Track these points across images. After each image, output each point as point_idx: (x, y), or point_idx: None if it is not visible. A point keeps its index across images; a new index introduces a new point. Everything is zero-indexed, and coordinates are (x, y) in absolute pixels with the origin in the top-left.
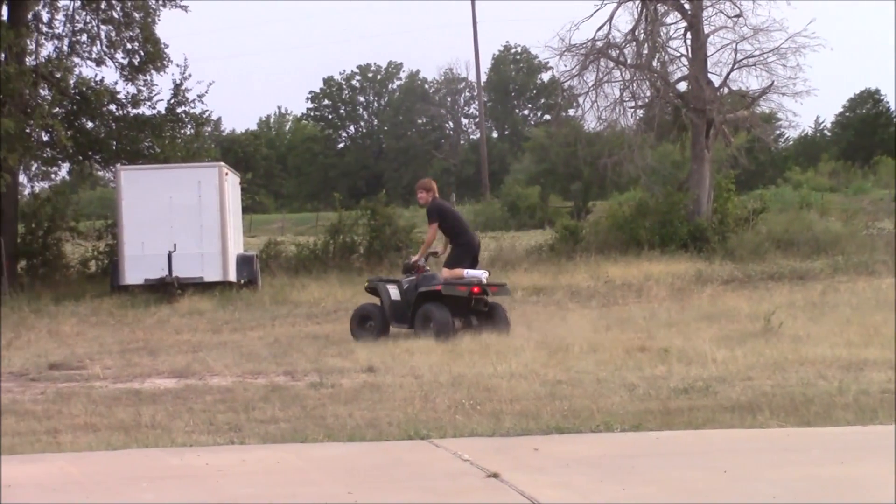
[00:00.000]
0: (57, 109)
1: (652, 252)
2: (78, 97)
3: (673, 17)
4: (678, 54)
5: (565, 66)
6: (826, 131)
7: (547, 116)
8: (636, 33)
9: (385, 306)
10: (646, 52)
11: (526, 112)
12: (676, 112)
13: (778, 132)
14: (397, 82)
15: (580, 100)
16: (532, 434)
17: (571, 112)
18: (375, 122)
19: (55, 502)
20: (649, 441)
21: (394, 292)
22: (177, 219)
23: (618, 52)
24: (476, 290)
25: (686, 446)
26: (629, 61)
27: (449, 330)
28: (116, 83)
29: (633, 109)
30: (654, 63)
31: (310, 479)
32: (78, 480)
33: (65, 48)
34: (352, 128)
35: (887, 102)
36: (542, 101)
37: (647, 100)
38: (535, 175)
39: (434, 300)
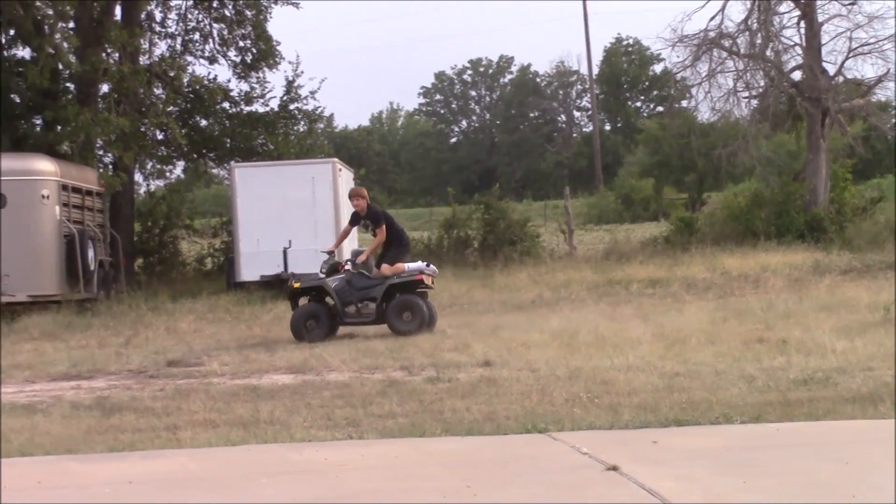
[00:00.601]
0: (171, 108)
1: (768, 243)
2: (191, 95)
3: (786, 5)
4: (792, 43)
5: (678, 57)
6: None
7: (660, 108)
8: (749, 23)
9: (338, 304)
10: (759, 41)
11: (638, 104)
12: (791, 102)
13: (895, 120)
14: (509, 76)
15: (693, 91)
16: (650, 426)
17: (685, 103)
18: (487, 116)
19: (169, 502)
20: (769, 433)
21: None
22: (291, 215)
23: (731, 42)
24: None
25: (807, 438)
26: (742, 51)
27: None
28: (229, 81)
29: (746, 99)
30: (768, 52)
31: (428, 473)
32: (198, 476)
33: (178, 47)
34: (464, 122)
35: None
36: (655, 92)
37: (761, 90)
38: (648, 167)
39: (406, 292)
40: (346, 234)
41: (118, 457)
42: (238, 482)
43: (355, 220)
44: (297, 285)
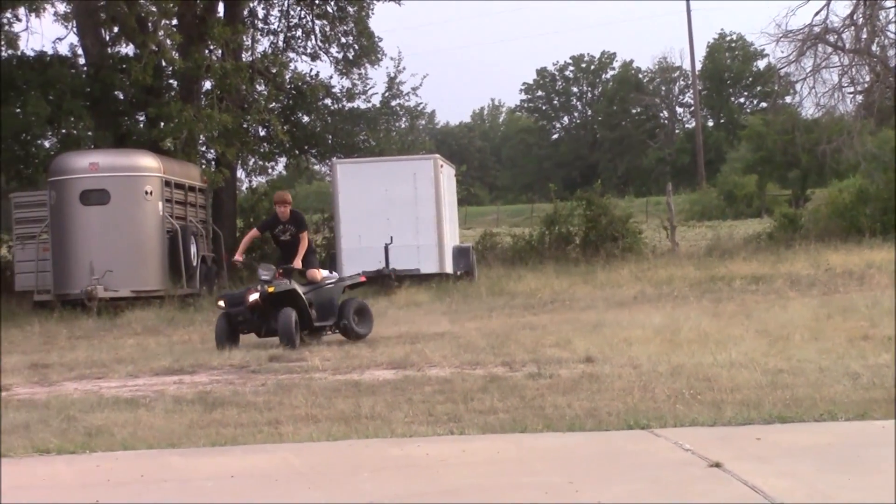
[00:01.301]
0: (273, 104)
1: (874, 239)
2: (293, 92)
3: (892, 0)
4: None
5: (782, 52)
6: None
7: (763, 104)
8: (854, 17)
9: (311, 310)
10: (864, 36)
11: (742, 100)
12: None
13: None
14: (611, 72)
15: (797, 86)
16: (754, 423)
17: (788, 99)
18: (589, 112)
19: (271, 497)
20: (875, 430)
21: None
22: (393, 211)
23: (836, 37)
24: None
25: None
26: (847, 46)
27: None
28: (331, 77)
29: (851, 95)
30: (874, 47)
31: (530, 469)
32: (300, 471)
33: (280, 43)
34: (566, 118)
35: None
36: (759, 88)
37: (866, 85)
38: (751, 163)
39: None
40: (251, 239)
41: (220, 451)
42: (339, 477)
43: (269, 225)
44: (271, 290)
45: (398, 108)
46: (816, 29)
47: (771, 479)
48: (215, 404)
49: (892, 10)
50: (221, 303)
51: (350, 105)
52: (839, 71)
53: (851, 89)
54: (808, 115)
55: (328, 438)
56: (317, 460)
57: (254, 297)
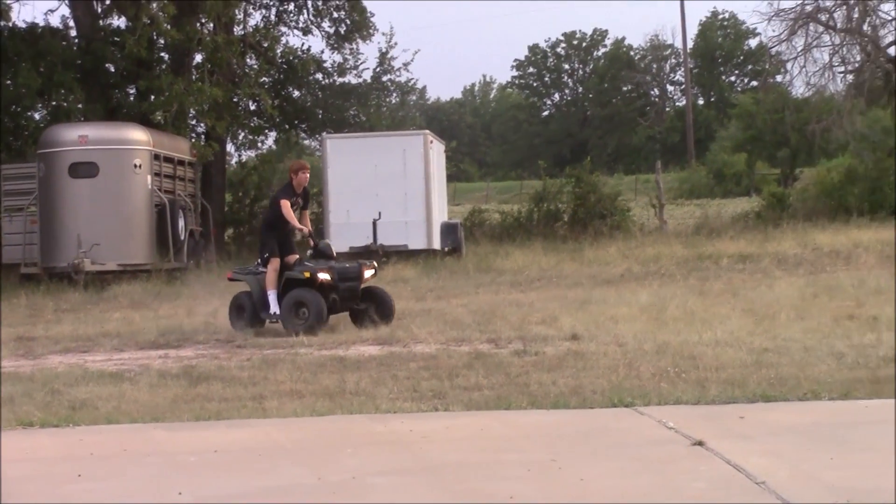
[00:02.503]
0: (264, 79)
1: (861, 219)
2: (285, 66)
3: None
4: (889, 18)
5: (773, 31)
6: None
7: (754, 83)
8: None
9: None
10: (856, 15)
11: (732, 78)
12: (887, 77)
13: None
14: (602, 49)
15: (788, 65)
16: (738, 402)
17: (779, 78)
18: (580, 89)
19: (254, 471)
20: (858, 409)
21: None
22: (382, 187)
23: (827, 16)
24: None
25: None
26: (839, 25)
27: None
28: (322, 52)
29: (842, 74)
30: (865, 27)
31: (514, 445)
32: (284, 446)
33: (272, 17)
34: (556, 95)
35: None
36: (750, 67)
37: (857, 64)
38: (741, 142)
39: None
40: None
41: (204, 426)
42: (323, 452)
43: (290, 194)
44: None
45: (389, 84)
46: (808, 8)
47: (753, 458)
48: (200, 379)
49: None
50: (326, 275)
51: (341, 80)
52: (830, 50)
53: (842, 69)
54: (798, 95)
55: (312, 414)
56: (301, 436)
57: (324, 275)
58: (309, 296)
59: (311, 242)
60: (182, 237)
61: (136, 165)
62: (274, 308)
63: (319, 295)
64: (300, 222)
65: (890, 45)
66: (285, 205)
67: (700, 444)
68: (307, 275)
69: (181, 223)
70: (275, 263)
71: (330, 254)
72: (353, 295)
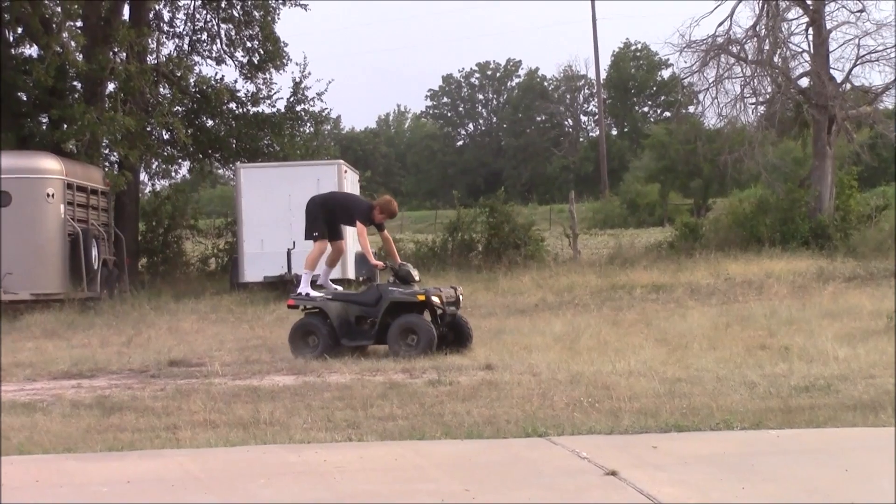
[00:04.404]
0: (177, 108)
1: (773, 249)
2: (198, 96)
3: (794, 12)
4: (800, 50)
5: (685, 62)
6: None
7: (667, 113)
8: (757, 29)
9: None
10: (767, 47)
11: (646, 109)
12: (798, 108)
13: None
14: (516, 80)
15: (700, 96)
16: (651, 432)
17: (692, 109)
18: (494, 119)
19: (167, 502)
20: (770, 439)
21: None
22: (296, 216)
23: (739, 48)
24: None
25: (807, 444)
26: (750, 57)
27: None
28: (236, 81)
29: (753, 106)
30: (776, 59)
31: (427, 476)
32: (197, 476)
33: (185, 47)
34: (471, 125)
35: None
36: (662, 98)
37: (768, 96)
38: (654, 172)
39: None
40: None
41: (117, 456)
42: (236, 483)
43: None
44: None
45: (303, 114)
46: (720, 39)
47: (665, 488)
48: (113, 409)
49: (795, 22)
50: (437, 299)
51: (255, 109)
52: (741, 82)
53: (753, 100)
54: (710, 126)
55: (226, 444)
56: (214, 466)
57: (437, 299)
58: (420, 322)
59: (394, 269)
60: (95, 266)
61: (48, 195)
62: (304, 288)
63: (430, 322)
64: (383, 240)
65: (800, 76)
66: (362, 230)
67: (613, 473)
68: (422, 298)
69: (94, 252)
70: (322, 245)
71: (411, 278)
72: (452, 320)
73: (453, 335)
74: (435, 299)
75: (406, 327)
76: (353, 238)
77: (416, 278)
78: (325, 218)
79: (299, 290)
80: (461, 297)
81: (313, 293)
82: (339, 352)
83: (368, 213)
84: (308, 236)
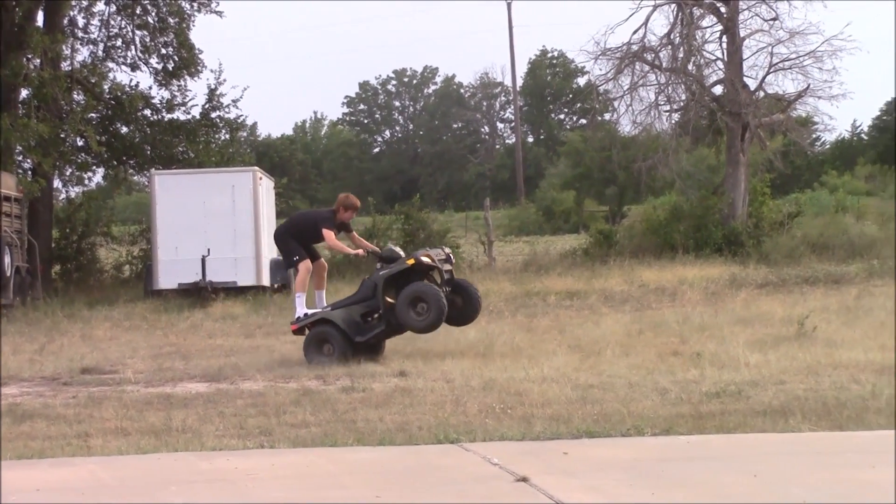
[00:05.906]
0: (91, 115)
1: (686, 256)
2: (112, 102)
3: (709, 20)
4: (714, 58)
5: (601, 70)
6: (863, 135)
7: (583, 121)
8: (672, 37)
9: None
10: (681, 55)
11: (562, 116)
12: (712, 116)
13: (814, 136)
14: (433, 87)
15: (615, 104)
16: (562, 438)
17: (607, 116)
18: (411, 126)
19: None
20: (680, 445)
21: None
22: (211, 223)
23: (653, 55)
24: None
25: (717, 450)
26: (665, 65)
27: None
28: (151, 88)
29: (668, 113)
30: (690, 66)
31: (339, 483)
32: (108, 484)
33: (99, 53)
34: (387, 132)
35: None
36: (578, 105)
37: (682, 103)
38: (570, 179)
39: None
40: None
41: (27, 464)
42: (147, 490)
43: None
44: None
45: (218, 120)
46: (634, 47)
47: (576, 494)
48: (24, 417)
49: (709, 30)
50: (427, 258)
51: (169, 116)
52: (656, 89)
53: (668, 107)
54: (625, 133)
55: (137, 452)
56: (125, 474)
57: (426, 258)
58: (424, 287)
59: (378, 254)
60: (8, 274)
61: None
62: (301, 311)
63: (437, 288)
64: (354, 242)
65: (714, 84)
66: (330, 235)
67: (524, 479)
68: (411, 262)
69: (7, 259)
70: (306, 265)
71: (397, 255)
72: (454, 281)
73: (461, 300)
74: (425, 259)
75: (412, 297)
76: (268, 246)
77: (402, 254)
78: (298, 242)
79: (297, 315)
80: (451, 257)
81: (311, 311)
82: (252, 359)
83: (332, 218)
84: (290, 265)
